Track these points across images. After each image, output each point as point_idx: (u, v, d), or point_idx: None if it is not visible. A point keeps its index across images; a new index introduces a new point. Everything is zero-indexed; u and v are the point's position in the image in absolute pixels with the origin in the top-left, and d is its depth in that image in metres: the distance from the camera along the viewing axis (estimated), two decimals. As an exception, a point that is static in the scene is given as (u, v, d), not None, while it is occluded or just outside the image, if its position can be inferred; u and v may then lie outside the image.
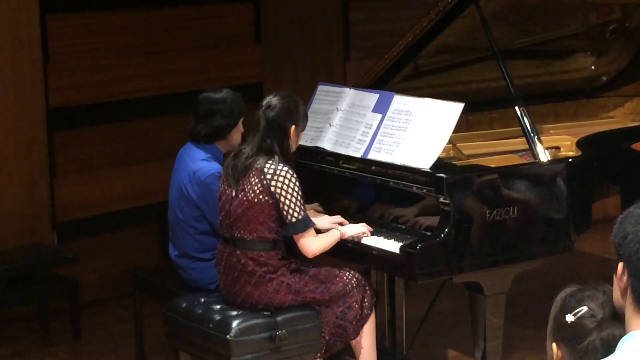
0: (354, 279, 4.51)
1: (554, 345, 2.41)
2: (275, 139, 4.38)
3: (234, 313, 4.39)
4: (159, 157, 6.61)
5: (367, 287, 4.55)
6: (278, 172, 4.31)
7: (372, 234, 4.55)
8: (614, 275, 2.19)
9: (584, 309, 2.36)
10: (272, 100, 4.44)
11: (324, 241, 4.45)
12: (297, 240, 4.39)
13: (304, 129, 4.55)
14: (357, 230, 4.54)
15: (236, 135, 4.81)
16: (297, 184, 4.34)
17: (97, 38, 6.44)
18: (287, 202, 4.31)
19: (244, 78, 6.99)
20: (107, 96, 6.51)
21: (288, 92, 4.59)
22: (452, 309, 5.92)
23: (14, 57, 6.07)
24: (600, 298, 2.39)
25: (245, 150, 4.41)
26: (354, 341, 4.54)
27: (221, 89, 4.94)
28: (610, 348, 2.31)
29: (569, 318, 2.36)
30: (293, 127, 4.43)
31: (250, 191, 4.34)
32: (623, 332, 2.26)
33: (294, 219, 4.33)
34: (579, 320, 2.35)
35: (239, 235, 4.38)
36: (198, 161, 4.78)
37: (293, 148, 4.48)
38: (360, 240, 4.53)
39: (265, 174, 4.31)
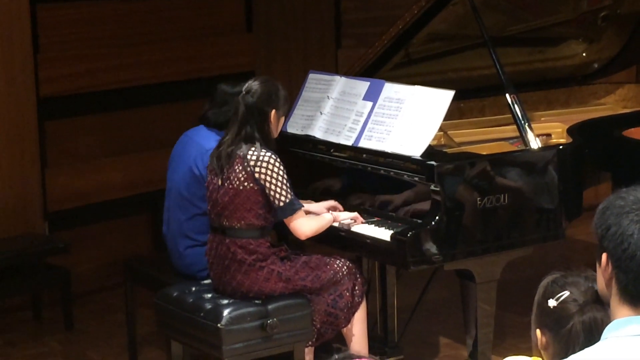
0: (345, 267, 4.51)
1: (538, 331, 2.41)
2: (255, 124, 4.37)
3: (225, 302, 4.39)
4: (151, 147, 6.60)
5: (358, 275, 4.55)
6: (261, 158, 4.30)
7: (364, 221, 4.55)
8: (598, 266, 2.19)
9: (566, 293, 2.37)
10: (251, 85, 4.44)
11: (316, 223, 4.45)
12: (288, 223, 4.39)
13: (285, 113, 4.54)
14: (349, 215, 4.54)
15: None
16: (282, 168, 4.33)
17: (87, 27, 6.42)
18: (273, 187, 4.31)
19: (235, 67, 6.98)
20: (98, 86, 6.49)
21: (268, 77, 4.58)
22: (443, 297, 5.92)
23: (4, 47, 6.04)
24: (583, 283, 2.40)
25: (227, 139, 4.40)
26: (345, 329, 4.54)
27: (239, 83, 4.93)
28: (592, 331, 2.32)
29: (552, 303, 2.37)
30: (273, 111, 4.42)
31: (235, 179, 4.33)
32: (605, 316, 2.27)
33: (281, 203, 4.33)
34: (562, 304, 2.36)
35: (227, 223, 4.38)
36: (211, 141, 4.75)
37: (275, 134, 4.47)
38: (351, 227, 4.53)
39: (248, 161, 4.31)
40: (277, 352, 4.42)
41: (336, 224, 4.55)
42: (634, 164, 4.89)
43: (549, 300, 2.38)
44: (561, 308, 2.36)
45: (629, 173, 4.86)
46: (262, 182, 4.31)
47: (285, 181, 4.33)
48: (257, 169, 4.30)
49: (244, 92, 4.43)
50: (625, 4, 5.81)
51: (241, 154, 4.33)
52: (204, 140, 4.82)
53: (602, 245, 2.15)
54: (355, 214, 4.57)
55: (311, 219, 4.46)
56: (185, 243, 4.85)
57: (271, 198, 4.33)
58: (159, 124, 6.61)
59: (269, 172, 4.30)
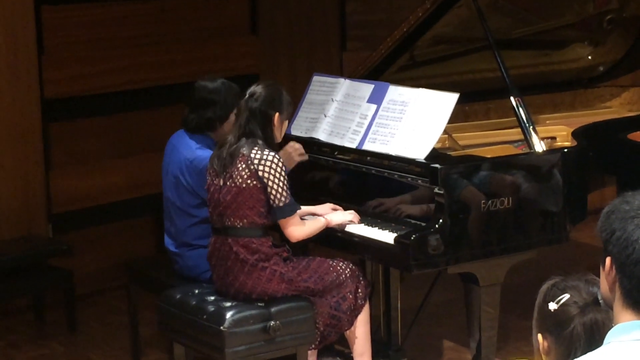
0: (348, 269, 4.50)
1: (539, 336, 2.40)
2: (257, 125, 4.37)
3: (228, 304, 4.38)
4: (155, 149, 6.57)
5: (361, 277, 4.54)
6: (265, 157, 4.31)
7: (367, 224, 4.54)
8: (601, 269, 2.17)
9: (567, 296, 2.36)
10: (255, 89, 4.45)
11: (308, 227, 4.48)
12: (283, 224, 4.40)
13: (288, 117, 4.55)
14: (343, 218, 4.55)
15: (227, 127, 4.80)
16: (284, 169, 4.35)
17: (92, 29, 6.41)
18: (275, 186, 4.32)
19: (240, 69, 6.97)
20: (103, 87, 6.48)
21: (272, 81, 4.60)
22: (447, 300, 5.90)
23: (9, 49, 6.04)
24: (583, 286, 2.39)
25: (228, 139, 4.41)
26: (348, 332, 4.53)
27: (217, 79, 4.95)
28: (593, 333, 2.31)
29: (552, 306, 2.36)
30: (276, 114, 4.43)
31: (238, 177, 4.34)
32: (606, 318, 2.25)
33: (281, 204, 4.33)
34: (562, 307, 2.35)
35: (229, 223, 4.37)
36: (193, 150, 4.79)
37: (279, 137, 4.48)
38: (344, 228, 4.52)
39: (252, 159, 4.32)
40: (280, 354, 4.41)
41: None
42: (639, 168, 4.87)
43: (549, 304, 2.37)
44: (562, 311, 2.35)
45: (634, 176, 4.85)
46: (265, 180, 4.31)
47: (285, 182, 4.34)
48: (260, 167, 4.31)
49: (247, 96, 4.43)
50: (631, 7, 5.80)
51: (245, 152, 4.34)
52: (186, 150, 4.82)
53: (606, 250, 2.13)
54: (351, 214, 4.56)
55: (304, 222, 4.48)
56: (186, 249, 4.85)
57: (271, 197, 4.34)
58: (163, 126, 6.58)
59: (272, 172, 4.31)
